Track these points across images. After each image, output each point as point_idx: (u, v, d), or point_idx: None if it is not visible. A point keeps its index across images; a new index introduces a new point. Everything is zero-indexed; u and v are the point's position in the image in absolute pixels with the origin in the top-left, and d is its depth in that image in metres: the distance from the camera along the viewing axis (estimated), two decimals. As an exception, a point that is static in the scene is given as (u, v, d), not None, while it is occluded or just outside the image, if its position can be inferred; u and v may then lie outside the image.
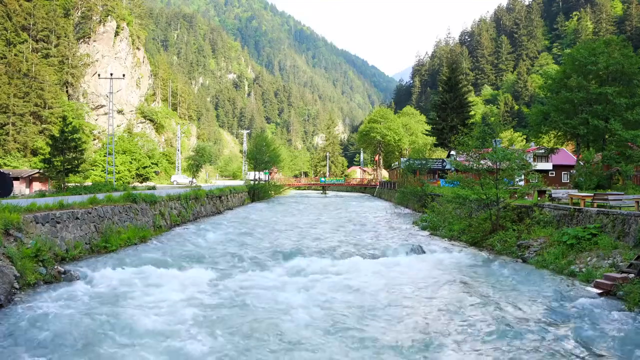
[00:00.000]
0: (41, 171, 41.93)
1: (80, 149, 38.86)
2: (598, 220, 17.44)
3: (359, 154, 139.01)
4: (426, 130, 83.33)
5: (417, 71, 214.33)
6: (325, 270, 16.90)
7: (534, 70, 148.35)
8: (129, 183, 65.38)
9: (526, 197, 25.66)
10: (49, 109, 66.93)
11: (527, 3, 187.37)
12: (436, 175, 63.69)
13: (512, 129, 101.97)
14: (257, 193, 65.31)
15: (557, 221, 20.07)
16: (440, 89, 75.65)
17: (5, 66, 64.14)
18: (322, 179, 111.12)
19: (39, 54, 72.78)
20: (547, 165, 55.46)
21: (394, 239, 25.91)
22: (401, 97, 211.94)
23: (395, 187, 66.19)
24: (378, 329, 11.01)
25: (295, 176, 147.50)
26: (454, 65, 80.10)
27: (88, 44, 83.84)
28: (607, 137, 36.30)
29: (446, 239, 25.78)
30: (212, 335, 10.40)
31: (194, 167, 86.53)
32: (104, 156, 66.49)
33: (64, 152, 36.10)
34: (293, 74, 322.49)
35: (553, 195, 23.12)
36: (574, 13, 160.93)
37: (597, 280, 13.61)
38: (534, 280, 15.53)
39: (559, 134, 40.74)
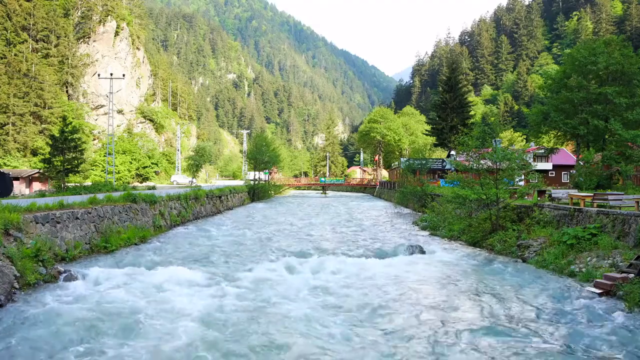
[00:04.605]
0: (41, 171, 41.92)
1: (80, 149, 38.84)
2: (598, 220, 17.43)
3: (359, 154, 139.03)
4: (426, 130, 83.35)
5: (417, 71, 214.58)
6: (325, 270, 16.88)
7: (534, 70, 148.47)
8: (128, 183, 65.40)
9: (526, 197, 25.65)
10: (49, 109, 66.95)
11: (527, 3, 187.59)
12: (436, 175, 63.71)
13: (512, 129, 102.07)
14: (257, 193, 65.33)
15: (557, 221, 20.06)
16: (440, 89, 75.64)
17: (5, 66, 64.17)
18: (322, 179, 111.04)
19: (39, 54, 72.81)
20: (547, 165, 55.46)
21: (393, 239, 25.90)
22: (401, 97, 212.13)
23: (395, 187, 66.18)
24: (377, 328, 11.01)
25: (295, 176, 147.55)
26: (454, 65, 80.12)
27: (88, 44, 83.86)
28: (607, 137, 36.31)
29: (446, 239, 25.77)
30: (212, 335, 10.39)
31: (193, 167, 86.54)
32: (104, 156, 66.52)
33: (64, 152, 36.08)
34: (293, 74, 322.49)
35: (553, 195, 23.12)
36: (574, 13, 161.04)
37: (597, 280, 13.60)
38: (534, 280, 15.52)
39: (559, 134, 40.75)
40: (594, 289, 13.28)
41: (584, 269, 15.25)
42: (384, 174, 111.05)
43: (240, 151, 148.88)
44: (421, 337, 10.48)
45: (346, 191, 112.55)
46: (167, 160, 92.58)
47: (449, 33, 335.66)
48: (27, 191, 42.61)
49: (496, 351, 9.65)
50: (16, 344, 9.65)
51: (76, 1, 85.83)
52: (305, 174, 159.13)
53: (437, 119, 69.19)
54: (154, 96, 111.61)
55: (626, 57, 36.15)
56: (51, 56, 74.18)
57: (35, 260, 14.36)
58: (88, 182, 50.39)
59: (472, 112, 77.44)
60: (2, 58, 65.68)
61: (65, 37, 78.17)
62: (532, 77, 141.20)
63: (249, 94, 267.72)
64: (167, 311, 11.95)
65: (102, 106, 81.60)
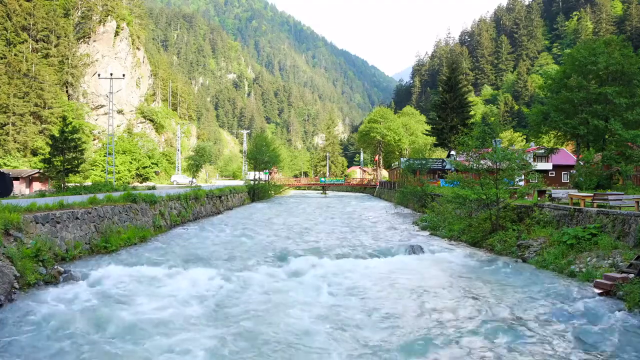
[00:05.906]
0: (41, 171, 41.92)
1: (80, 149, 38.83)
2: (598, 220, 17.43)
3: (359, 154, 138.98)
4: (426, 130, 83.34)
5: (417, 71, 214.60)
6: (325, 270, 16.89)
7: (534, 70, 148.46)
8: (128, 183, 65.39)
9: (526, 197, 25.65)
10: (49, 109, 66.94)
11: (527, 3, 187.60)
12: (436, 175, 63.69)
13: (512, 129, 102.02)
14: (257, 193, 65.30)
15: (557, 221, 20.06)
16: (440, 89, 75.61)
17: (5, 66, 64.17)
18: (322, 179, 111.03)
19: (39, 54, 72.81)
20: (547, 165, 55.46)
21: (394, 239, 25.90)
22: (401, 97, 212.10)
23: (395, 187, 66.16)
24: (378, 328, 11.02)
25: (295, 176, 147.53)
26: (454, 65, 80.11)
27: (88, 44, 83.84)
28: (607, 137, 36.31)
29: (446, 239, 25.76)
30: (213, 335, 10.39)
31: (194, 167, 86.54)
32: (104, 156, 66.51)
33: (64, 152, 36.07)
34: (293, 74, 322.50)
35: (553, 195, 23.11)
36: (574, 13, 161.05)
37: (597, 280, 13.60)
38: (534, 280, 15.52)
39: (559, 134, 40.74)
40: (594, 289, 13.28)
41: (584, 269, 15.26)
42: (384, 174, 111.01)
43: (240, 151, 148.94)
44: (421, 337, 10.48)
45: (346, 191, 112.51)
46: (167, 160, 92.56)
47: (449, 33, 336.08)
48: (27, 191, 42.61)
49: (496, 351, 9.65)
50: (16, 344, 9.65)
51: (76, 1, 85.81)
52: (305, 174, 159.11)
53: (437, 119, 69.16)
54: (154, 96, 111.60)
55: (626, 57, 36.14)
56: (51, 56, 74.16)
57: (35, 260, 14.36)
58: (88, 182, 50.38)
59: (472, 112, 77.40)
60: (2, 58, 65.67)
61: (65, 37, 78.15)
62: (532, 77, 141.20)
63: (249, 94, 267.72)
64: (167, 311, 11.95)
65: (102, 106, 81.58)
